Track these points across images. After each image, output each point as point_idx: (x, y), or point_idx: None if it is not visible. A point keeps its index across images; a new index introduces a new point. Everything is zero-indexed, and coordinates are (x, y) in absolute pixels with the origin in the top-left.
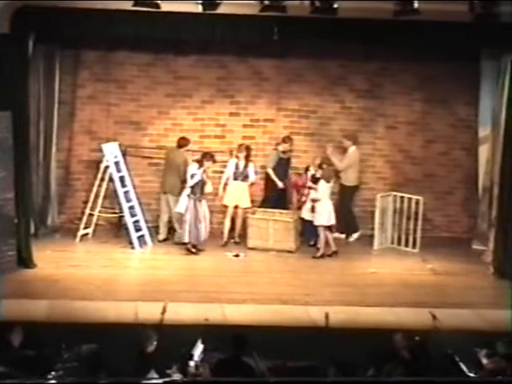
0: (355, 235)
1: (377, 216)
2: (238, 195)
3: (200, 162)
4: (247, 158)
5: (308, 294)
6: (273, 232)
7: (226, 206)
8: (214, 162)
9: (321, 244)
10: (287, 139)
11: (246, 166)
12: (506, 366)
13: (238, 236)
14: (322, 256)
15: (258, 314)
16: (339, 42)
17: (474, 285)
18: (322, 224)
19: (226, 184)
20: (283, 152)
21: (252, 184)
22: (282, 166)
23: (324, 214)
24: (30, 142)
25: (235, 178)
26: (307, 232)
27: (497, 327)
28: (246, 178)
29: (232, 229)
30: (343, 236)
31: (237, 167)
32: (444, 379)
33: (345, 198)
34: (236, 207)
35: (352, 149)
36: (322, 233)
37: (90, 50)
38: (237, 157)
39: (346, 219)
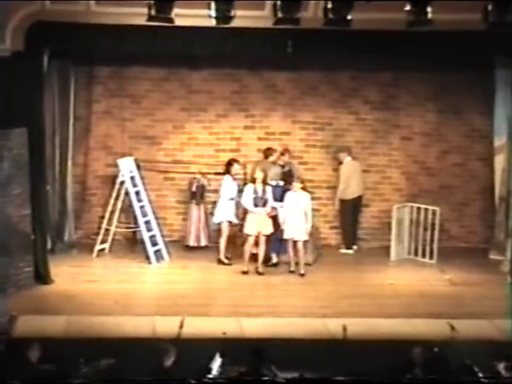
0: (349, 251)
1: (393, 227)
2: (260, 222)
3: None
4: (264, 182)
5: (325, 306)
6: None
7: (247, 235)
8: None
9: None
10: (285, 152)
11: (264, 191)
12: None
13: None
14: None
15: (276, 327)
16: (353, 53)
17: (491, 295)
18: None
19: (245, 212)
20: (282, 166)
21: (272, 208)
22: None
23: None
24: (46, 158)
25: (256, 205)
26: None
27: None
28: (265, 203)
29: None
30: (351, 251)
31: (255, 192)
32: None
33: (346, 212)
34: (258, 234)
35: (347, 159)
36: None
37: (104, 66)
38: (253, 181)
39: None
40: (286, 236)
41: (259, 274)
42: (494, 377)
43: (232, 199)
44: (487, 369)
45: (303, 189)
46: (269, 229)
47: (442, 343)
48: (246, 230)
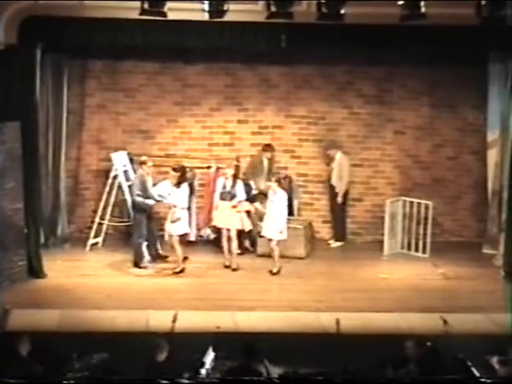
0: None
1: (386, 221)
2: (227, 216)
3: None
4: (235, 176)
5: (319, 300)
6: None
7: (218, 228)
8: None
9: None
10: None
11: (233, 185)
12: None
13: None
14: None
15: (269, 321)
16: (347, 47)
17: (484, 289)
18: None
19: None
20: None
21: (239, 203)
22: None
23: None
24: (39, 152)
25: (222, 198)
26: None
27: (508, 331)
28: (233, 197)
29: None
30: (340, 243)
31: (224, 187)
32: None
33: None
34: (228, 229)
35: (338, 155)
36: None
37: (97, 60)
38: (225, 176)
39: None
40: (263, 233)
41: (233, 269)
42: (487, 371)
43: (183, 208)
44: (481, 363)
45: (282, 188)
46: (236, 224)
47: (435, 337)
48: (215, 223)
